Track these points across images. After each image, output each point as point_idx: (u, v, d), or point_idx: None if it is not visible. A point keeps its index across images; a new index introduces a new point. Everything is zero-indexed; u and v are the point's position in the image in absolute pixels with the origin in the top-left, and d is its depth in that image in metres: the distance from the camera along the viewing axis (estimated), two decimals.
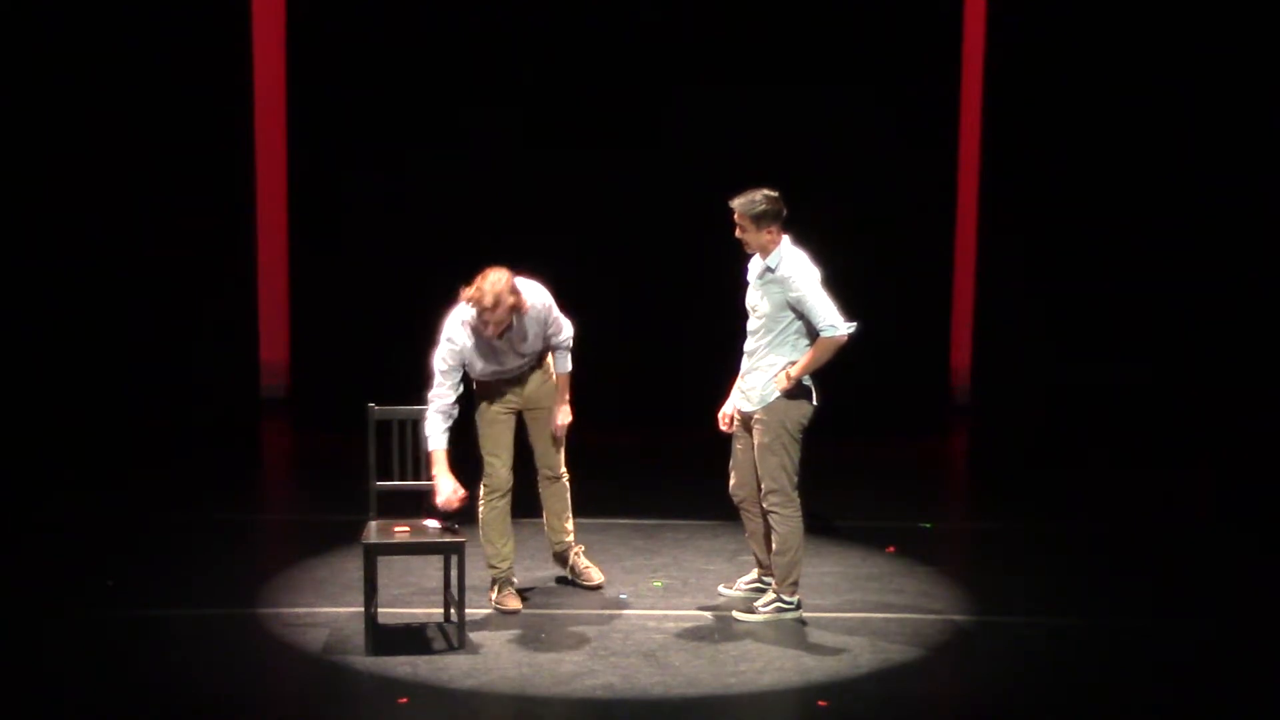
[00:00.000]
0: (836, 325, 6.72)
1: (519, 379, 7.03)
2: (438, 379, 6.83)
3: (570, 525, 7.32)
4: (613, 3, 11.34)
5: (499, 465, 7.05)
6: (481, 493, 7.08)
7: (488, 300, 6.57)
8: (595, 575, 7.35)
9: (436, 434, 6.78)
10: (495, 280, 6.58)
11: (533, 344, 6.96)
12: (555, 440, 7.08)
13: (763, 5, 11.35)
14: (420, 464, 6.83)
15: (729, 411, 7.03)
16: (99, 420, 10.69)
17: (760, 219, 6.73)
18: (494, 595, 7.12)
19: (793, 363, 6.75)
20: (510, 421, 7.08)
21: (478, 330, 6.75)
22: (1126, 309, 11.42)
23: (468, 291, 6.63)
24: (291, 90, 11.40)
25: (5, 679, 6.17)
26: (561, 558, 7.37)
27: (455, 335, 6.82)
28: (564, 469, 7.23)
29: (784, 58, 11.34)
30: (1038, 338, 11.56)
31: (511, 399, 7.05)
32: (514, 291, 6.62)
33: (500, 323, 6.67)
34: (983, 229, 11.68)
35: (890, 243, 11.45)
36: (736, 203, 6.78)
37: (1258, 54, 11.13)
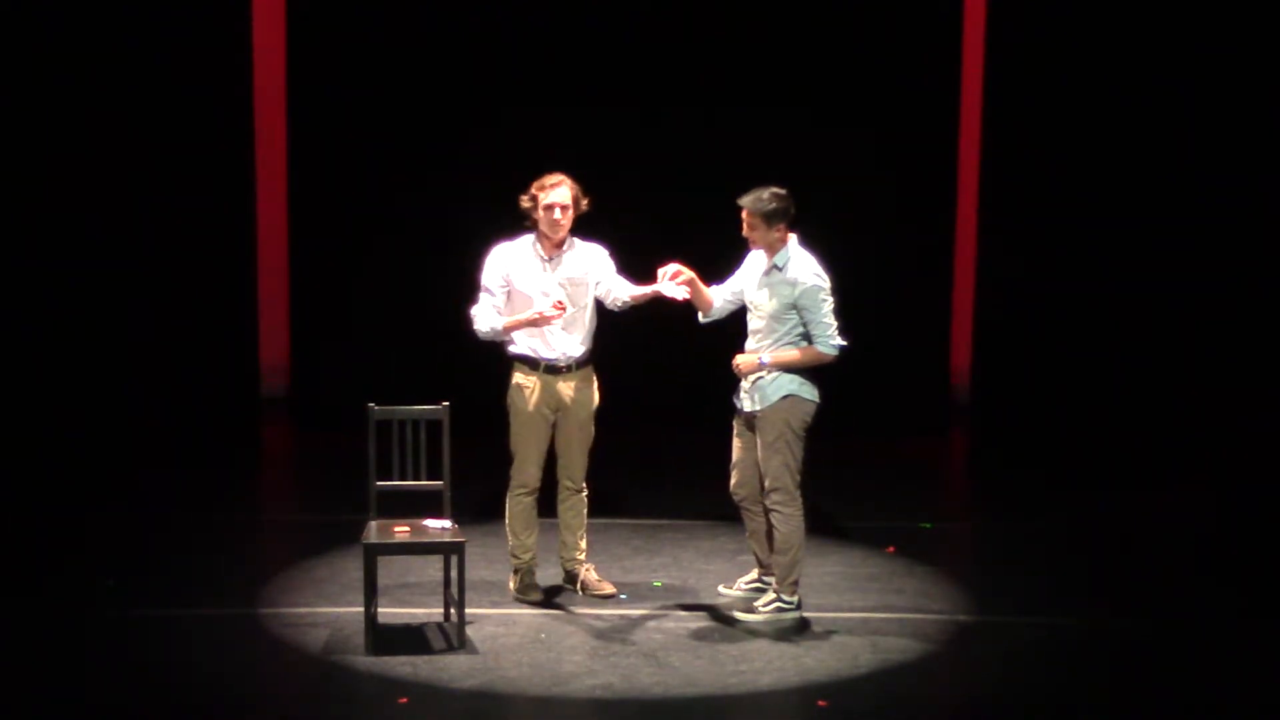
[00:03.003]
0: (833, 343, 6.75)
1: (559, 374, 6.94)
2: (481, 298, 6.94)
3: (584, 544, 7.28)
4: (612, 4, 11.34)
5: (530, 465, 7.04)
6: (509, 487, 7.09)
7: (550, 177, 6.84)
8: (608, 587, 7.30)
9: (498, 317, 6.89)
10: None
11: (582, 291, 6.94)
12: (636, 299, 6.95)
13: (763, 5, 11.36)
14: (420, 464, 6.81)
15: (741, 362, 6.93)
16: (99, 421, 10.68)
17: (770, 217, 6.74)
18: (514, 586, 7.15)
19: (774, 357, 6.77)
20: (546, 427, 7.02)
21: (543, 237, 6.88)
22: (1126, 309, 11.43)
23: (529, 194, 6.86)
24: (291, 90, 11.40)
25: (6, 679, 6.17)
26: (572, 576, 7.31)
27: (499, 254, 6.96)
28: (584, 483, 7.20)
29: (785, 57, 11.34)
30: (1038, 338, 11.56)
31: (549, 403, 6.98)
32: (577, 187, 6.88)
33: (564, 202, 6.80)
34: (983, 230, 11.69)
35: (891, 243, 11.45)
36: (746, 200, 6.77)
37: (1258, 54, 11.14)
